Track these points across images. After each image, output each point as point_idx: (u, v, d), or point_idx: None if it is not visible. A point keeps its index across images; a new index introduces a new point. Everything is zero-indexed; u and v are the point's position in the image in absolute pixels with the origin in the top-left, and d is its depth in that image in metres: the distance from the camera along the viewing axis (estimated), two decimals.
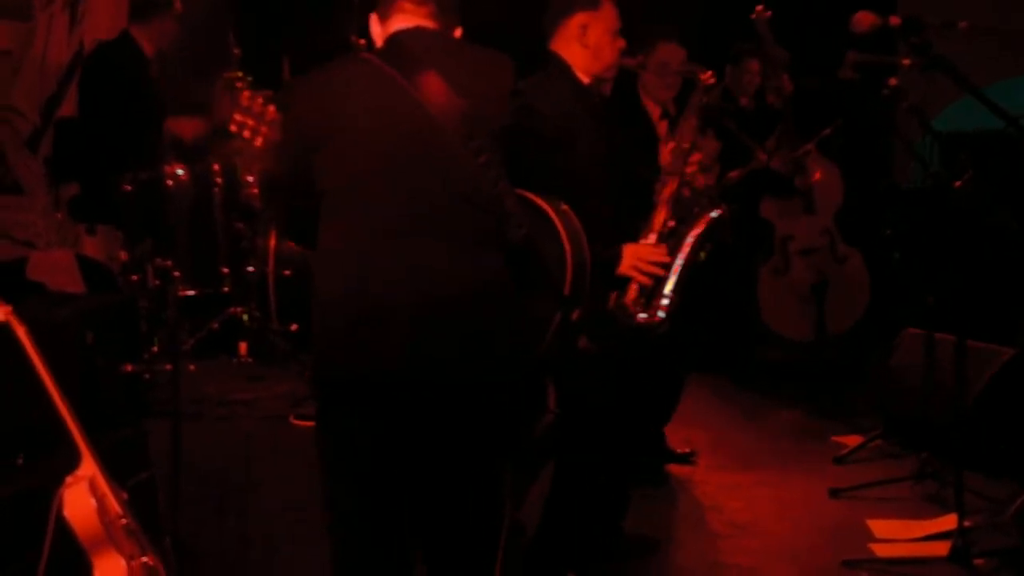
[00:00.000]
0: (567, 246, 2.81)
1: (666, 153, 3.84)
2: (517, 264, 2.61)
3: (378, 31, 2.73)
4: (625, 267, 3.61)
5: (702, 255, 3.74)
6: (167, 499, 3.74)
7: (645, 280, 3.61)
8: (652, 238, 3.69)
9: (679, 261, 3.69)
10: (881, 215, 6.41)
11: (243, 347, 5.79)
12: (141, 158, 5.33)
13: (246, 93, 2.68)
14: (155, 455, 3.84)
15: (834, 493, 4.66)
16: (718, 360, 6.24)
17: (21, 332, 2.82)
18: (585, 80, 3.66)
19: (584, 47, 3.62)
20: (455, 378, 2.51)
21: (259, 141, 2.68)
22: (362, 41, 4.75)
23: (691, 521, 4.52)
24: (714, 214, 3.78)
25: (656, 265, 3.61)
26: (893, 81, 4.13)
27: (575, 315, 2.83)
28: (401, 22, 2.67)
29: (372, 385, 2.48)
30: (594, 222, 3.50)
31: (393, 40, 2.65)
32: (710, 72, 3.87)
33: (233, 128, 2.68)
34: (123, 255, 5.27)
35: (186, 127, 5.67)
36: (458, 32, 2.77)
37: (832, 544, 4.16)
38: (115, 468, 2.89)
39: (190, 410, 4.65)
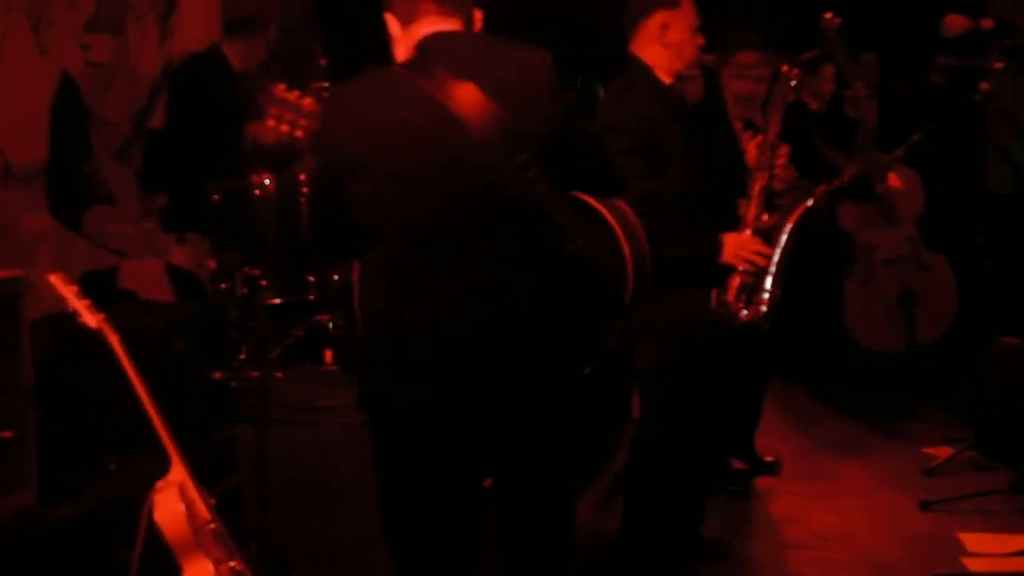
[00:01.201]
0: (626, 249, 2.67)
1: (752, 148, 3.81)
2: (574, 276, 2.54)
3: (399, 33, 2.59)
4: (728, 256, 3.59)
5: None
6: (254, 504, 3.79)
7: (749, 268, 3.59)
8: (747, 233, 3.66)
9: (777, 254, 3.66)
10: (972, 221, 6.29)
11: (328, 354, 5.83)
12: (227, 168, 5.40)
13: (281, 86, 2.65)
14: (242, 461, 3.90)
15: (925, 505, 4.58)
16: (802, 370, 6.16)
17: (114, 340, 2.88)
18: (667, 80, 3.63)
19: (665, 46, 3.59)
20: (506, 389, 2.49)
21: (299, 133, 2.65)
22: None
23: (775, 531, 4.46)
24: (808, 204, 3.75)
25: (758, 254, 3.59)
26: (985, 85, 4.04)
27: (636, 321, 2.77)
28: (428, 26, 2.52)
29: (425, 399, 2.49)
30: (682, 223, 3.48)
31: (423, 49, 2.50)
32: (790, 65, 3.80)
33: (271, 122, 2.65)
34: (212, 264, 5.32)
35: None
36: (479, 16, 2.62)
37: (923, 557, 4.10)
38: (203, 473, 2.94)
39: (276, 417, 4.70)
